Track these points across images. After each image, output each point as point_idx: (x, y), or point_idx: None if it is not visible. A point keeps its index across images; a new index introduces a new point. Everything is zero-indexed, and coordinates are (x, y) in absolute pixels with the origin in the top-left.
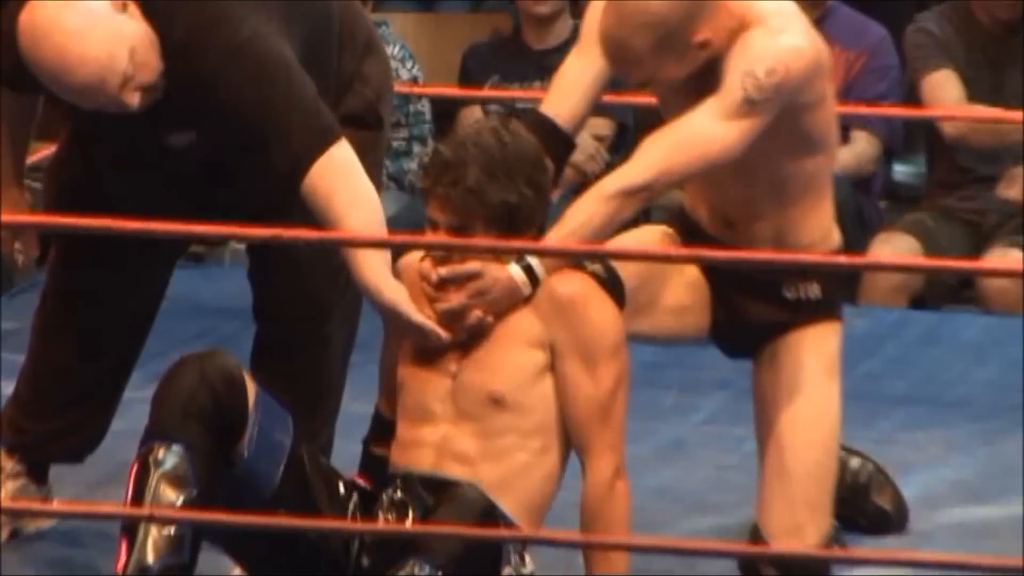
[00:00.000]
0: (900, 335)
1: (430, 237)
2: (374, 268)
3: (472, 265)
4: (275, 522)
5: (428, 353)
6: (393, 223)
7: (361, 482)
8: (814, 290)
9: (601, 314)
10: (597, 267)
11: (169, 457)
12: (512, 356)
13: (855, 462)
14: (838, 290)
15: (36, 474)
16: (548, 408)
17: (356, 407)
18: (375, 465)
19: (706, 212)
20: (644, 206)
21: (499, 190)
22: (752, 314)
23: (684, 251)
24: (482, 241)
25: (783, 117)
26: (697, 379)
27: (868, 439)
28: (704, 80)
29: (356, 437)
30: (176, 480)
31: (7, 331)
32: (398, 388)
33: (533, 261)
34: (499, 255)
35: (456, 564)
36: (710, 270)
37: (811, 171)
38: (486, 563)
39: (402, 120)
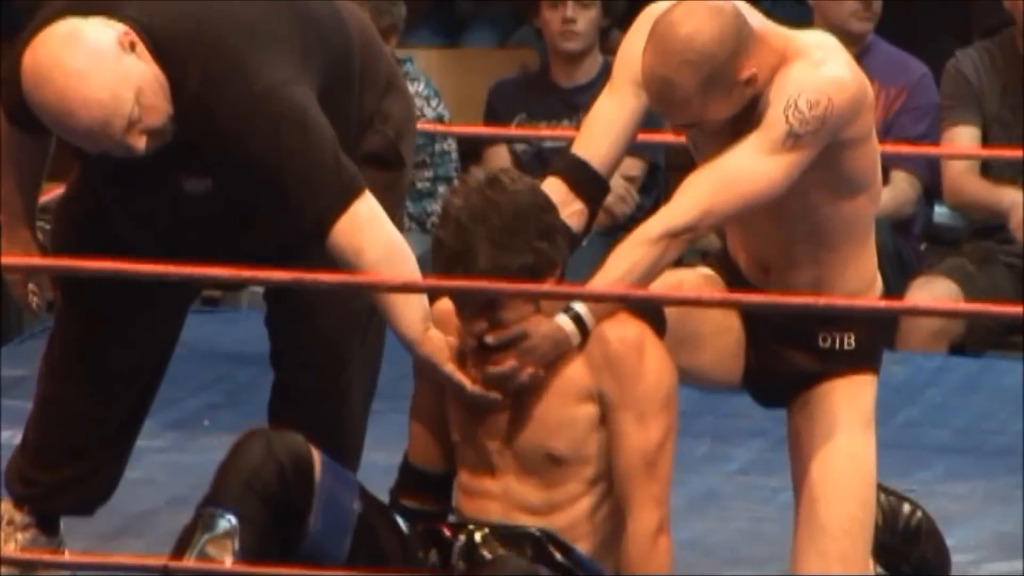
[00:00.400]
0: (940, 382)
1: (464, 323)
2: (413, 320)
3: (519, 328)
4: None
5: (479, 411)
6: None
7: (446, 532)
8: (849, 340)
9: (655, 365)
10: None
11: (220, 523)
12: (566, 413)
13: (906, 508)
14: (874, 341)
15: (46, 525)
16: (607, 454)
17: (377, 456)
18: (404, 517)
19: (744, 258)
20: (688, 248)
21: (514, 256)
22: (785, 362)
23: (718, 296)
24: (517, 286)
25: (824, 155)
26: (730, 428)
27: (907, 490)
28: (740, 119)
29: (377, 487)
30: (221, 547)
31: (16, 378)
32: (454, 445)
33: (581, 309)
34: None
35: None
36: (746, 315)
37: (851, 215)
38: None
39: (427, 160)
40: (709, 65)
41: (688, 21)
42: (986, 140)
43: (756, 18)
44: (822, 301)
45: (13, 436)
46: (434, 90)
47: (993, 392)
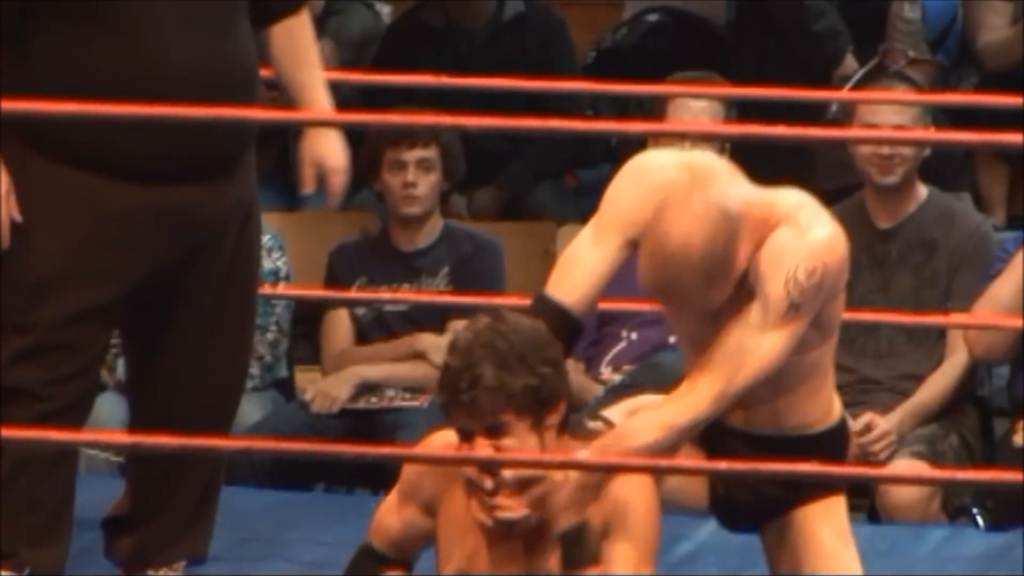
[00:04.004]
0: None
1: (466, 449)
2: None
3: (537, 471)
4: None
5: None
6: (256, 429)
7: None
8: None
9: (653, 515)
10: (600, 425)
11: None
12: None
13: None
14: (837, 463)
15: None
16: None
17: None
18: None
19: None
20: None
21: (517, 378)
22: (752, 491)
23: (688, 464)
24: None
25: None
26: None
27: None
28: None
29: None
30: None
31: None
32: None
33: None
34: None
35: None
36: (710, 442)
37: (814, 362)
38: None
39: None
40: (709, 260)
41: (681, 230)
42: None
43: (737, 188)
44: (786, 468)
45: None
46: (278, 243)
47: None
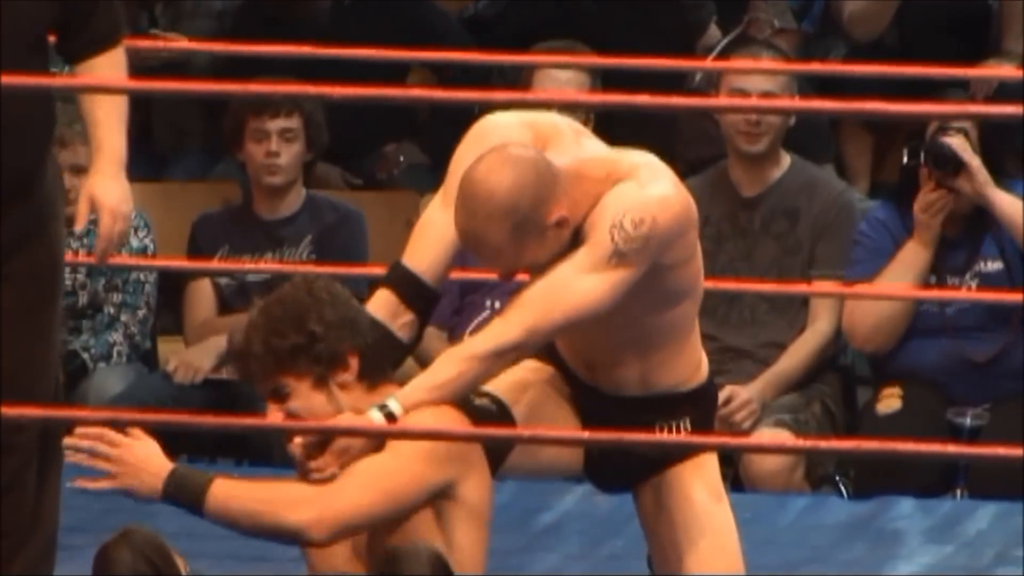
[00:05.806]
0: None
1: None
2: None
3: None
4: None
5: None
6: (119, 400)
7: None
8: (685, 424)
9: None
10: (486, 401)
11: None
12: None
13: None
14: (708, 419)
15: None
16: None
17: None
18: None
19: (568, 355)
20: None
21: (284, 340)
22: (626, 452)
23: (556, 434)
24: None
25: (649, 276)
26: None
27: None
28: (570, 248)
29: None
30: None
31: None
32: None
33: (394, 407)
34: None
35: None
36: (583, 407)
37: (675, 321)
38: None
39: (118, 285)
40: (514, 214)
41: (489, 177)
42: None
43: (582, 148)
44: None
45: None
46: (144, 221)
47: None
